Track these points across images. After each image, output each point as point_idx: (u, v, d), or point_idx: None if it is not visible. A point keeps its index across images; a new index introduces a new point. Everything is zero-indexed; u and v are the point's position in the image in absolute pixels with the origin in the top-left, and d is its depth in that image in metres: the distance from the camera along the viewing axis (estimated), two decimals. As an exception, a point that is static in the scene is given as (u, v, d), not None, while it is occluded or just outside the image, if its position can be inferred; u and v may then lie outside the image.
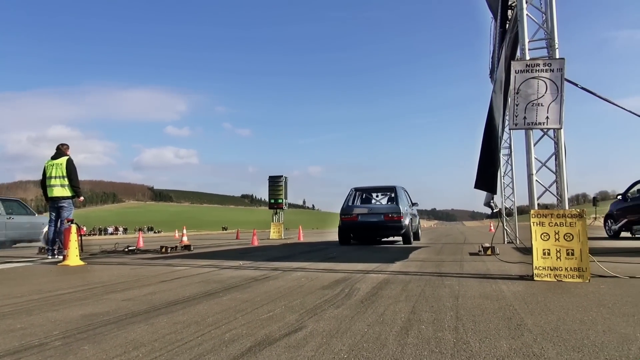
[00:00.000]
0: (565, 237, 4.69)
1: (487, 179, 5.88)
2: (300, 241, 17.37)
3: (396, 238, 13.22)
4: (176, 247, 11.58)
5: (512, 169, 11.52)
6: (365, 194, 12.76)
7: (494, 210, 7.96)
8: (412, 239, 11.16)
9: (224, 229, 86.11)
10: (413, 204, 12.31)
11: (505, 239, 11.99)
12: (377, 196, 13.41)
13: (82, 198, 9.39)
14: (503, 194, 11.32)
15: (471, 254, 8.84)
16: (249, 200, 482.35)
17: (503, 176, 11.43)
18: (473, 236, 19.90)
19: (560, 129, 4.92)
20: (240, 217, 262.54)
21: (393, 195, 12.17)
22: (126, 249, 11.59)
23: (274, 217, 21.56)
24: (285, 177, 21.21)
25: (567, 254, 4.68)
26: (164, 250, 10.98)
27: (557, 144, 5.04)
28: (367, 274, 5.71)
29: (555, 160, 5.09)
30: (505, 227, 11.89)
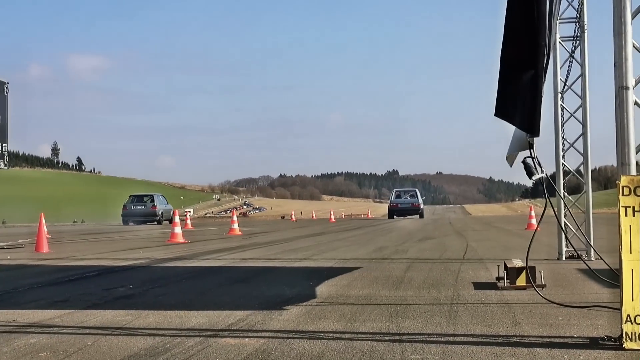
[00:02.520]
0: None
1: (517, 96, 5.45)
2: (44, 253, 15.35)
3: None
4: None
5: (582, 77, 10.94)
6: (399, 191, 54.60)
7: (534, 178, 6.59)
8: (424, 215, 49.20)
9: None
10: (422, 197, 53.27)
11: (564, 249, 11.21)
12: (406, 192, 54.13)
13: None
14: (561, 138, 11.00)
15: (478, 284, 8.24)
16: None
17: (562, 94, 11.05)
18: (486, 240, 18.16)
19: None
20: None
21: (414, 193, 53.09)
22: None
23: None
24: (3, 84, 18.11)
25: None
26: None
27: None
28: (212, 340, 5.11)
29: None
30: (564, 219, 10.88)
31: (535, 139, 6.06)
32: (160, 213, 44.19)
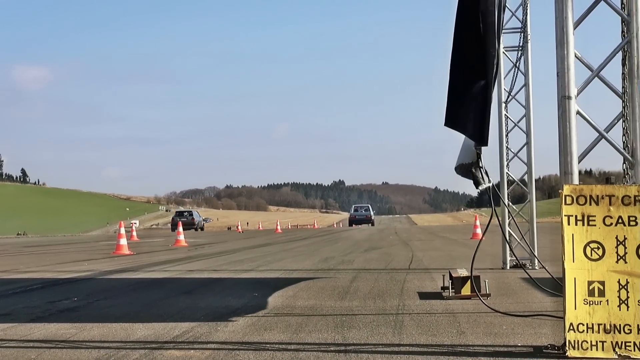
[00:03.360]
0: (643, 254, 4.64)
1: (468, 105, 5.47)
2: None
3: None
4: None
5: (526, 87, 11.21)
6: (357, 207, 79.29)
7: (481, 187, 6.63)
8: (374, 224, 73.45)
9: None
10: (373, 211, 79.61)
11: (508, 258, 11.37)
12: (361, 207, 78.38)
13: None
14: (505, 148, 11.20)
15: (424, 294, 8.31)
16: None
17: (506, 103, 11.33)
18: (431, 250, 18.30)
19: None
20: None
21: (367, 207, 77.62)
22: None
23: None
24: None
25: (646, 295, 4.63)
26: None
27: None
28: (157, 352, 5.06)
29: (625, 56, 4.91)
30: (508, 228, 11.21)
31: (481, 148, 6.11)
32: (197, 223, 65.38)
